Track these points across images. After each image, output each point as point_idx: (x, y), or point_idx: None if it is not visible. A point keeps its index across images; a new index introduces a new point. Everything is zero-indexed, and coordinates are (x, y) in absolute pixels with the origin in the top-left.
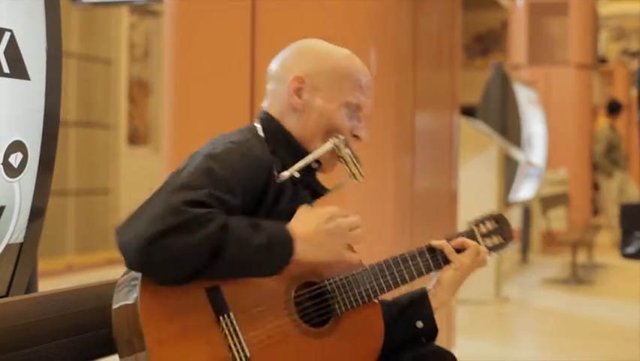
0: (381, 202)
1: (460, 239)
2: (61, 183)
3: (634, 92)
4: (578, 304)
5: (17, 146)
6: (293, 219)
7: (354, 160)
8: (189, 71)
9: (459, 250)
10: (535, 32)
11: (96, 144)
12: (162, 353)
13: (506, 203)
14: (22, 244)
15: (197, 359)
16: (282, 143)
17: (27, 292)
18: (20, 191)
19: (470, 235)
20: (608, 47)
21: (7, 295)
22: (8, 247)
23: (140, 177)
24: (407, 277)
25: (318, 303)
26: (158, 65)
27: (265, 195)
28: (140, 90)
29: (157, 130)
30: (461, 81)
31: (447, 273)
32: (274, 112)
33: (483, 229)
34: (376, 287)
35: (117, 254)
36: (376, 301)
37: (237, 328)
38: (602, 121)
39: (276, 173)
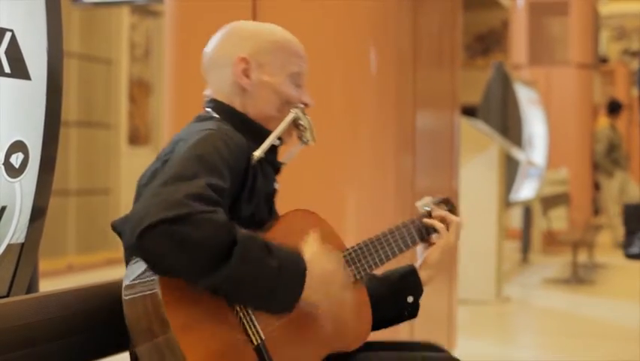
0: (382, 202)
1: (443, 213)
2: (62, 183)
3: (635, 91)
4: (578, 304)
5: (18, 146)
6: (311, 256)
7: (311, 126)
8: (190, 71)
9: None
10: (536, 32)
11: (97, 143)
12: (188, 337)
13: (507, 203)
14: (23, 244)
15: (220, 341)
16: (243, 126)
17: (28, 292)
18: (21, 191)
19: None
20: (609, 47)
21: (8, 295)
22: (9, 247)
23: None
24: (402, 248)
25: None
26: (159, 65)
27: (246, 178)
28: (140, 90)
29: (157, 130)
30: (462, 81)
31: (433, 251)
32: (223, 98)
33: (440, 210)
34: (371, 262)
35: (118, 254)
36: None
37: (250, 310)
38: (603, 121)
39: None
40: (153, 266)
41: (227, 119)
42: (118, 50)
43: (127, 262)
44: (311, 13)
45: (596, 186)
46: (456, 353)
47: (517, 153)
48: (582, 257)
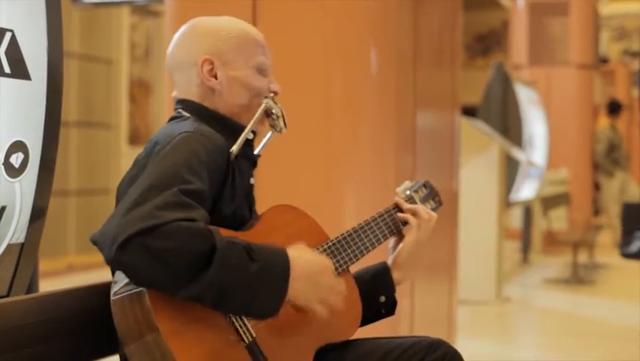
0: (382, 202)
1: (413, 206)
2: (62, 183)
3: (635, 92)
4: (579, 304)
5: (18, 146)
6: (294, 252)
7: (283, 113)
8: None
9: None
10: (536, 32)
11: (97, 144)
12: (178, 342)
13: (507, 203)
14: (23, 244)
15: (211, 343)
16: (216, 123)
17: (28, 292)
18: (21, 191)
19: (412, 201)
20: (609, 47)
21: (8, 295)
22: (9, 247)
23: None
24: (380, 239)
25: None
26: (159, 65)
27: (227, 176)
28: (140, 90)
29: (158, 130)
30: (462, 81)
31: (402, 251)
32: (192, 97)
33: (421, 194)
34: (351, 254)
35: None
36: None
37: None
38: (603, 121)
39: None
40: (134, 280)
41: (200, 118)
42: (118, 50)
43: (113, 272)
44: (311, 13)
45: (596, 187)
46: None
47: (518, 153)
48: (582, 257)
